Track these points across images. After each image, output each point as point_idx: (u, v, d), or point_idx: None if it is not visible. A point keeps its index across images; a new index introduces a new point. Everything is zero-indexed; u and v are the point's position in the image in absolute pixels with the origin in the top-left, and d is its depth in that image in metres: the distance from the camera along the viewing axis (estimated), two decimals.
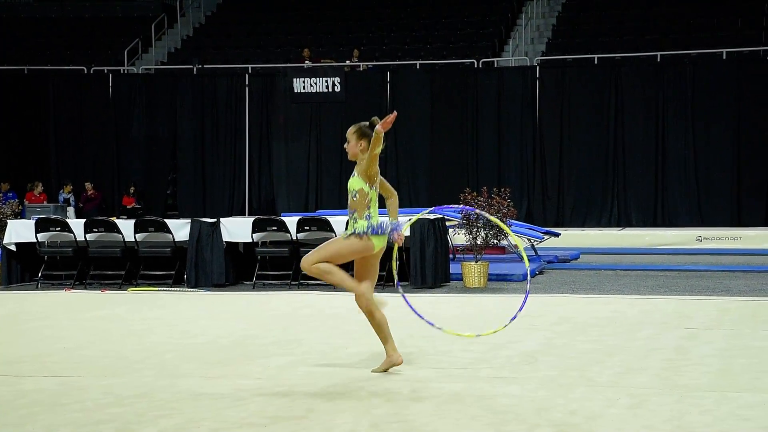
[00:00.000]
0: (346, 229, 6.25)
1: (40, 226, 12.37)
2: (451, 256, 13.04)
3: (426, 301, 10.37)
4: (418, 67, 23.73)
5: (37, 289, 12.14)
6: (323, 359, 6.78)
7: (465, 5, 26.54)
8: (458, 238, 13.48)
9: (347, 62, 23.94)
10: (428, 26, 26.20)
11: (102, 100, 24.15)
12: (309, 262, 6.23)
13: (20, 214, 13.93)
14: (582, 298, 10.52)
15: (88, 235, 12.35)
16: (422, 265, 11.69)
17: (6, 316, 9.51)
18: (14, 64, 24.79)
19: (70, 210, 22.00)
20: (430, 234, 11.73)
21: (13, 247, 12.43)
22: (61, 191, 23.16)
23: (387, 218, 6.26)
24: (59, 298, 11.01)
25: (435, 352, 6.99)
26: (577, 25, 25.26)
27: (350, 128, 6.35)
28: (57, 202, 22.18)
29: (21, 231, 12.45)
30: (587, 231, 20.40)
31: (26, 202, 21.13)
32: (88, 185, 23.14)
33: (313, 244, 12.10)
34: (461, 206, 11.21)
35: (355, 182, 6.21)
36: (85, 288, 12.07)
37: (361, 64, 24.01)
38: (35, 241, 12.37)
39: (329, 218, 12.03)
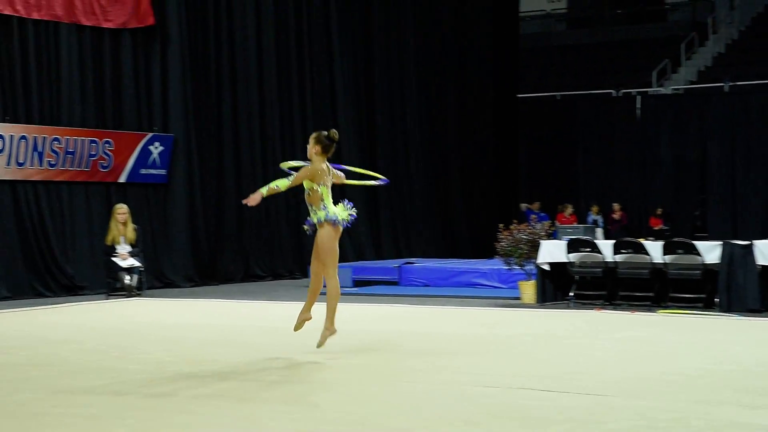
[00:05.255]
0: (311, 219, 7.69)
1: (571, 246, 12.75)
2: None
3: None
4: None
5: (568, 307, 12.53)
6: None
7: None
8: None
9: None
10: None
11: (629, 122, 24.34)
12: (334, 277, 7.68)
13: (552, 235, 14.47)
14: None
15: (616, 256, 12.48)
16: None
17: (540, 334, 9.92)
18: (548, 91, 25.99)
19: (598, 231, 22.41)
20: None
21: (546, 267, 12.95)
22: (589, 212, 23.72)
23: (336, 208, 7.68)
24: (589, 317, 11.25)
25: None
26: None
27: (313, 133, 7.69)
28: (585, 224, 22.75)
29: (553, 251, 12.93)
30: None
31: (557, 223, 21.93)
32: (615, 206, 23.43)
33: None
34: None
35: (306, 182, 7.63)
36: (614, 308, 12.19)
37: None
38: (566, 261, 12.78)
39: None
